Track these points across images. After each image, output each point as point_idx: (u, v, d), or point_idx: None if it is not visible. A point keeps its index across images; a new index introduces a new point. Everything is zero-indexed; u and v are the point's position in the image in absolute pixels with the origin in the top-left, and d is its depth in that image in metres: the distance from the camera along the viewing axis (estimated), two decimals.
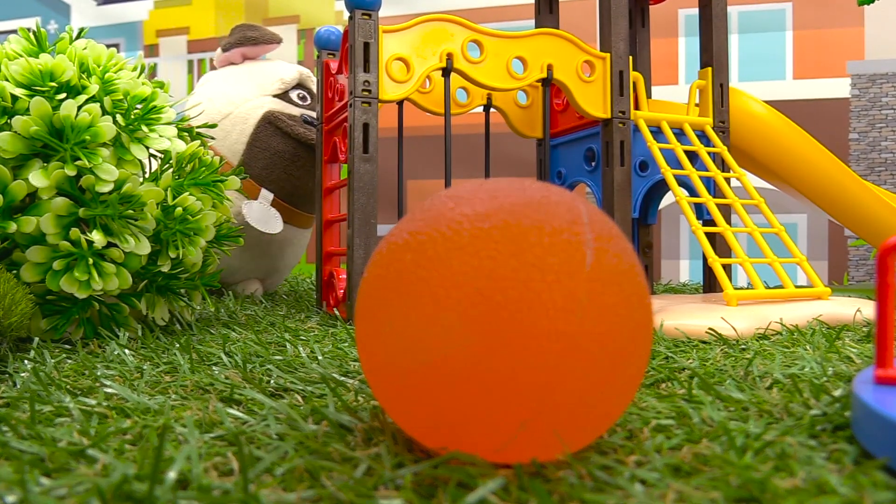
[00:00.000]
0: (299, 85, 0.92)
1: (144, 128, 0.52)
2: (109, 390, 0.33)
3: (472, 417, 0.22)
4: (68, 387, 0.35)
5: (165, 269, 0.53)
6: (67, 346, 0.48)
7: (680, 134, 0.74)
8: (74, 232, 0.46)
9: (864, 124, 1.65)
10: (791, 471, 0.23)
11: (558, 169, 0.80)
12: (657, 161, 0.68)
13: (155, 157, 0.56)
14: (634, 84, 0.73)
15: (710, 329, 0.51)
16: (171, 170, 0.55)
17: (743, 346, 0.49)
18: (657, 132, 0.72)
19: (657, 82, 1.57)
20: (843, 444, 0.26)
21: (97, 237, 0.46)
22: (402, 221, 0.25)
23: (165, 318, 0.56)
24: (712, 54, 0.77)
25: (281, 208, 0.87)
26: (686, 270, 1.60)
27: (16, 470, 0.22)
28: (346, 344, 0.50)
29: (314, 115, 0.87)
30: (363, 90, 0.60)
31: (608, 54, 0.70)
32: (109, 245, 0.48)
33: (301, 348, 0.45)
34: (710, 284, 0.80)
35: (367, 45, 0.60)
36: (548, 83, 0.68)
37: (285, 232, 0.90)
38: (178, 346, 0.48)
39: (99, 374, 0.37)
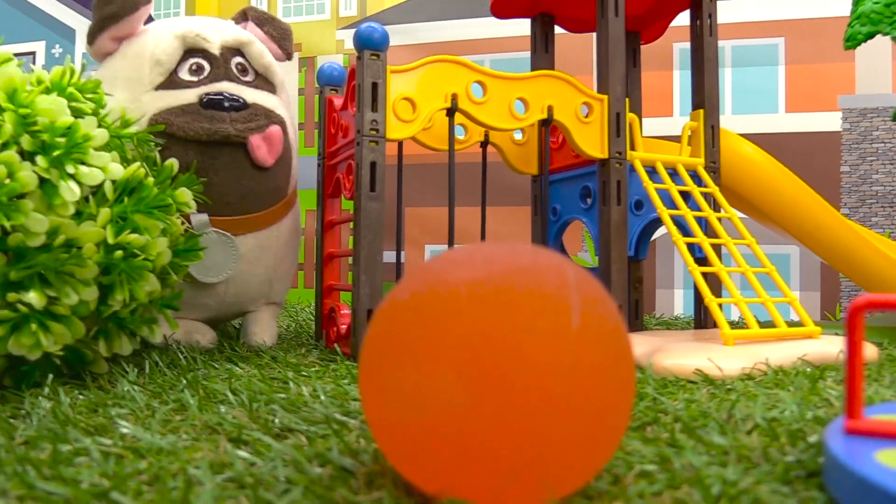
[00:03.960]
0: (188, 53, 0.67)
1: (72, 166, 0.46)
2: (124, 430, 0.35)
3: (468, 466, 0.24)
4: (83, 425, 0.37)
5: (117, 307, 0.49)
6: (78, 382, 0.49)
7: (673, 174, 0.77)
8: (12, 296, 0.43)
9: (856, 157, 1.68)
10: None
11: (553, 205, 0.82)
12: (654, 202, 0.70)
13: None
14: (630, 125, 0.75)
15: (697, 370, 0.53)
16: (108, 206, 0.49)
17: (729, 387, 0.51)
18: (651, 172, 0.75)
19: (652, 114, 1.60)
20: (815, 492, 0.28)
21: (34, 298, 0.43)
22: (405, 281, 0.27)
23: (128, 350, 0.52)
24: (704, 96, 0.80)
25: (221, 224, 0.67)
26: (680, 300, 1.62)
27: None
28: (346, 381, 0.51)
29: (224, 88, 0.66)
30: (371, 129, 0.62)
31: (606, 96, 0.73)
32: (53, 298, 0.45)
33: (304, 387, 0.47)
34: (701, 318, 0.81)
35: (374, 85, 0.62)
36: (548, 124, 0.71)
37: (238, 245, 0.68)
38: (184, 381, 0.49)
39: (113, 413, 0.39)
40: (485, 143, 0.81)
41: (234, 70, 0.68)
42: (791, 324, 0.66)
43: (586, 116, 0.72)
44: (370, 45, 0.62)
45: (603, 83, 0.73)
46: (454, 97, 0.65)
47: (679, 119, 1.73)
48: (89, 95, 0.54)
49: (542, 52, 0.85)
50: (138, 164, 0.51)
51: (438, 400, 0.24)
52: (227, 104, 0.65)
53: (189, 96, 0.65)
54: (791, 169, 0.85)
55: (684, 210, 0.71)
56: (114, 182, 0.49)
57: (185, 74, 0.66)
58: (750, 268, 0.68)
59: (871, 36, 0.87)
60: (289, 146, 0.71)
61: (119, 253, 0.47)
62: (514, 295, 0.24)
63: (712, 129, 0.80)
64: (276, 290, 0.75)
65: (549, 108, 0.70)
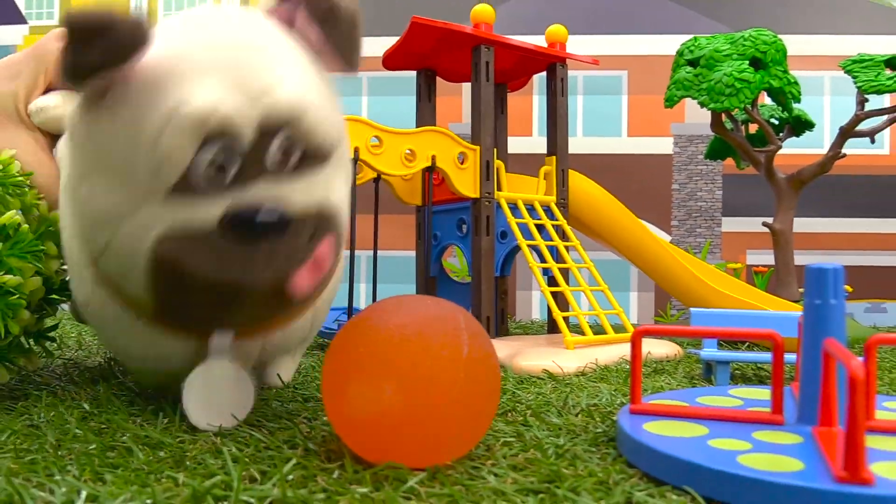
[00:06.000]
0: (208, 140, 0.41)
1: None
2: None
3: (400, 442, 0.39)
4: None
5: None
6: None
7: (531, 209, 0.95)
8: None
9: (684, 177, 1.97)
10: (576, 465, 0.41)
11: (435, 232, 0.98)
12: (514, 233, 0.88)
13: None
14: (498, 170, 0.93)
15: (544, 370, 0.71)
16: None
17: (567, 382, 0.68)
18: (514, 208, 0.92)
19: (514, 133, 1.81)
20: (611, 450, 0.45)
21: None
22: (356, 321, 0.42)
23: (5, 379, 0.57)
24: (556, 146, 0.99)
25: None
26: (536, 302, 1.83)
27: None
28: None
29: (259, 196, 0.43)
30: None
31: (478, 147, 0.90)
32: None
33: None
34: (552, 323, 1.00)
35: None
36: (431, 169, 0.87)
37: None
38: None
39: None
40: (377, 179, 0.95)
41: (273, 158, 0.44)
42: (618, 329, 0.86)
43: (462, 163, 0.89)
44: None
45: (476, 136, 0.90)
46: (356, 150, 0.80)
47: (538, 139, 1.95)
48: None
49: (426, 101, 1.01)
50: (14, 211, 0.54)
51: (382, 403, 0.39)
52: (262, 225, 0.42)
53: (208, 214, 0.42)
54: (631, 185, 1.04)
55: (539, 241, 0.89)
56: None
57: (201, 172, 0.42)
58: (588, 287, 0.88)
59: (684, 98, 1.09)
60: (341, 236, 0.49)
61: None
62: (428, 335, 0.40)
63: (563, 173, 0.99)
64: (317, 325, 0.62)
65: (433, 157, 0.85)
